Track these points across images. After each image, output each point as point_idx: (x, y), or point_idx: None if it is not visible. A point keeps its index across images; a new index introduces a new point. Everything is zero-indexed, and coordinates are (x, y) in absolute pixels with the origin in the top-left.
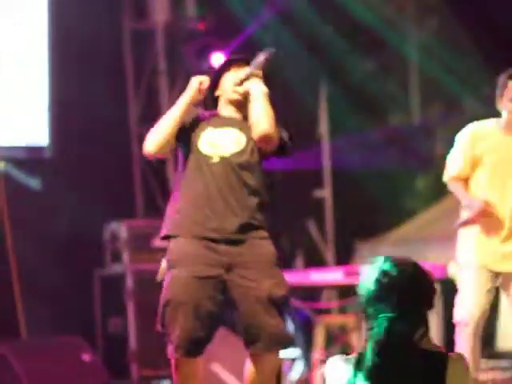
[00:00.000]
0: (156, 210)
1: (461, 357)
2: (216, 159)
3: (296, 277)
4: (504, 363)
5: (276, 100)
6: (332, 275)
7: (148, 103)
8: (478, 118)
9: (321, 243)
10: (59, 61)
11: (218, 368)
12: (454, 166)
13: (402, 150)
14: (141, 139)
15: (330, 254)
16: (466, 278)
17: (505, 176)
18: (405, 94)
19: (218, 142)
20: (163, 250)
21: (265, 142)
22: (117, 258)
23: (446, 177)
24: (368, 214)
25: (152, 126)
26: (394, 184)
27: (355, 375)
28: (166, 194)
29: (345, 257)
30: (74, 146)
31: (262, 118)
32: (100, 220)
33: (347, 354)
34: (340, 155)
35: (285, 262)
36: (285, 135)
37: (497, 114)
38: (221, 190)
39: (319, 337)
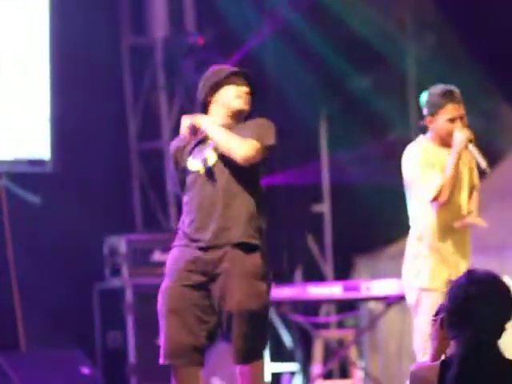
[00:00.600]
0: (155, 225)
1: None
2: (202, 171)
3: (295, 291)
4: None
5: (276, 116)
6: (330, 289)
7: (147, 118)
8: (477, 132)
9: (319, 258)
10: (60, 76)
11: (217, 382)
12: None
13: (400, 164)
14: (140, 154)
15: (328, 269)
16: None
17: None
18: (403, 109)
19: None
20: (163, 264)
21: (249, 162)
22: (116, 272)
23: (431, 197)
24: (367, 228)
25: (151, 141)
26: (393, 198)
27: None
28: (165, 209)
29: (344, 271)
30: (74, 160)
31: (229, 150)
32: (99, 234)
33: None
34: (339, 170)
35: (283, 276)
36: (267, 139)
37: (499, 129)
38: (208, 200)
39: (318, 351)
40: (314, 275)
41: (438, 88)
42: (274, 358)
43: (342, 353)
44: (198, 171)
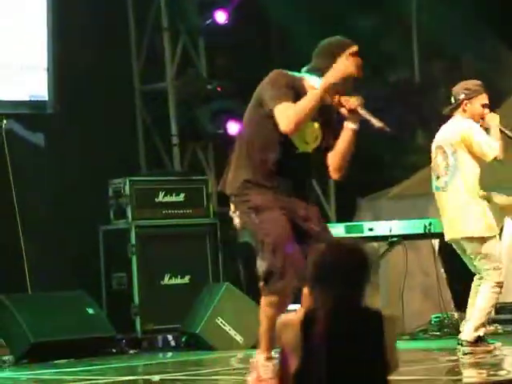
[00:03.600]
0: (160, 167)
1: (393, 316)
2: None
3: None
4: (504, 316)
5: (281, 61)
6: (334, 230)
7: (151, 60)
8: (477, 75)
9: (323, 199)
10: (63, 18)
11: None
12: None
13: (403, 107)
14: (143, 96)
15: (331, 211)
16: None
17: None
18: (406, 52)
19: None
20: (166, 206)
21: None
22: (121, 213)
23: (492, 156)
24: (369, 170)
25: (155, 83)
26: (395, 140)
27: (304, 337)
28: (169, 151)
29: (346, 213)
30: (78, 102)
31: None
32: (104, 176)
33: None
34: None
35: None
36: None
37: (496, 71)
38: None
39: None
40: None
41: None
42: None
43: None
44: None
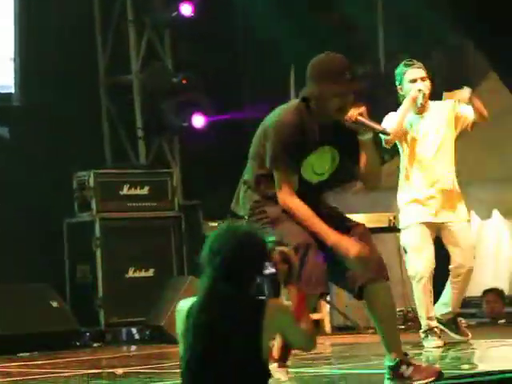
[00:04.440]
0: (124, 159)
1: (278, 305)
2: None
3: None
4: (469, 310)
5: (248, 54)
6: None
7: (116, 53)
8: (443, 68)
9: None
10: (28, 12)
11: None
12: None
13: (369, 100)
14: (109, 88)
15: None
16: None
17: None
18: (372, 45)
19: None
20: (131, 199)
21: None
22: (85, 206)
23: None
24: None
25: (121, 76)
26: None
27: (185, 326)
28: (134, 144)
29: None
30: (43, 94)
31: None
32: (68, 169)
33: None
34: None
35: None
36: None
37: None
38: None
39: None
40: None
41: None
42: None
43: None
44: None
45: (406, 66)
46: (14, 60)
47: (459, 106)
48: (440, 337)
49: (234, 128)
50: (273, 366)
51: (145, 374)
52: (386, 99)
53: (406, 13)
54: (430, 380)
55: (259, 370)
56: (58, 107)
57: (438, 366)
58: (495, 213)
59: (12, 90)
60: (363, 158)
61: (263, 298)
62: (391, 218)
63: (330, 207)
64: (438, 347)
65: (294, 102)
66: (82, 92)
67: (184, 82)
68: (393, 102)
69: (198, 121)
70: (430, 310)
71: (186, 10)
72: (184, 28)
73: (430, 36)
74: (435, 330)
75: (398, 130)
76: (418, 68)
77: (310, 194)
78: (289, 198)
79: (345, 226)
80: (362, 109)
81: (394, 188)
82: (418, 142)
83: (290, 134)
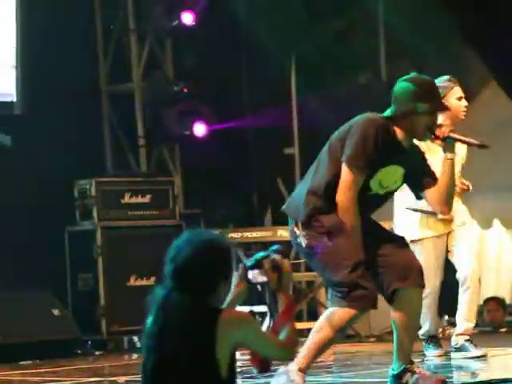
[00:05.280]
0: (126, 167)
1: (231, 312)
2: None
3: (264, 233)
4: None
5: (247, 59)
6: (283, 231)
7: (117, 61)
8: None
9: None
10: (29, 20)
11: None
12: None
13: (370, 107)
14: (110, 97)
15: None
16: None
17: None
18: (373, 53)
19: None
20: (132, 207)
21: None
22: (87, 214)
23: None
24: None
25: (122, 84)
26: None
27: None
28: (136, 152)
29: None
30: (45, 103)
31: None
32: (70, 177)
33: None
34: (309, 113)
35: (253, 218)
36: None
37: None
38: None
39: None
40: (284, 218)
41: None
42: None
43: (311, 295)
44: None
45: (453, 82)
46: (16, 68)
47: None
48: (441, 346)
49: (235, 137)
50: (294, 368)
51: None
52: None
53: (406, 20)
54: None
55: None
56: (60, 115)
57: (442, 374)
58: (496, 222)
59: (14, 99)
60: (442, 177)
61: (218, 307)
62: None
63: (374, 221)
64: (439, 356)
65: (381, 115)
66: (84, 100)
67: (185, 90)
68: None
69: (199, 129)
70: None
71: (188, 18)
72: (185, 37)
73: (430, 43)
74: (436, 338)
75: None
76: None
77: (363, 202)
78: (348, 200)
79: (387, 237)
80: (452, 127)
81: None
82: None
83: (375, 132)
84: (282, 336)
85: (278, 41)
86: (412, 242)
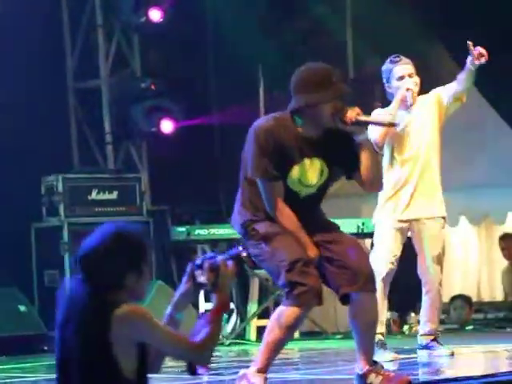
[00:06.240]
0: (93, 164)
1: (128, 309)
2: None
3: (231, 230)
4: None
5: (216, 59)
6: None
7: (84, 57)
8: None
9: None
10: None
11: None
12: None
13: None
14: (77, 93)
15: None
16: None
17: None
18: (342, 50)
19: None
20: (99, 203)
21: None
22: (53, 211)
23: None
24: None
25: (89, 81)
26: None
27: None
28: (102, 148)
29: None
30: (11, 98)
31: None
32: (36, 173)
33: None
34: (276, 110)
35: (221, 216)
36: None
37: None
38: None
39: (254, 290)
40: None
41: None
42: (208, 297)
43: (278, 292)
44: None
45: (393, 62)
46: None
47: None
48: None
49: (202, 133)
50: (252, 370)
51: None
52: (355, 103)
53: (374, 18)
54: None
55: None
56: (26, 111)
57: (406, 374)
58: (463, 220)
59: None
60: (363, 160)
61: (117, 302)
62: (359, 223)
63: (323, 220)
64: (391, 361)
65: (279, 112)
66: (51, 96)
67: (152, 87)
68: (364, 105)
69: (167, 126)
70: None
71: (155, 15)
72: (153, 33)
73: (398, 41)
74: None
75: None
76: (406, 64)
77: (298, 205)
78: (276, 206)
79: (337, 239)
80: (357, 109)
81: (362, 194)
82: (406, 139)
83: (265, 138)
84: (199, 337)
85: (245, 38)
86: (375, 224)
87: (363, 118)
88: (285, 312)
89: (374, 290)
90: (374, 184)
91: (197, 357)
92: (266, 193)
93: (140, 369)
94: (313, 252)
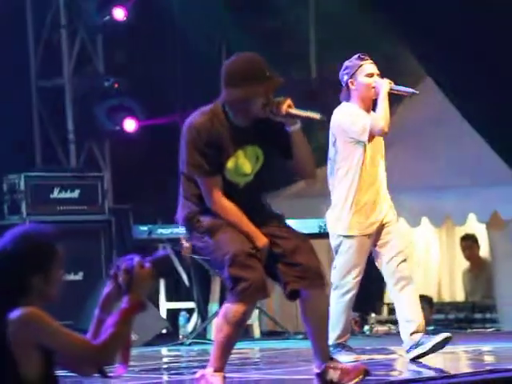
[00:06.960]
0: (55, 162)
1: (24, 311)
2: None
3: None
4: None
5: (180, 58)
6: None
7: (48, 56)
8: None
9: None
10: None
11: None
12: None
13: (301, 104)
14: (40, 91)
15: None
16: None
17: None
18: (304, 51)
19: None
20: (61, 202)
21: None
22: (15, 209)
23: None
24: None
25: (53, 79)
26: None
27: None
28: (65, 147)
29: None
30: None
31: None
32: None
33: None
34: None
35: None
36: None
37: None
38: None
39: (215, 290)
40: None
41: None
42: (171, 297)
43: None
44: None
45: (361, 59)
46: None
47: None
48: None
49: (165, 132)
50: (209, 370)
51: (71, 378)
52: (316, 105)
53: (338, 19)
54: (359, 379)
55: None
56: None
57: (362, 364)
58: (424, 220)
59: None
60: (295, 149)
61: (17, 305)
62: (322, 224)
63: (270, 214)
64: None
65: (211, 105)
66: (14, 94)
67: (116, 85)
68: (326, 107)
69: (130, 125)
70: None
71: (119, 14)
72: (116, 32)
73: (363, 43)
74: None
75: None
76: (372, 63)
77: (239, 196)
78: (215, 200)
79: (284, 234)
80: (289, 101)
81: (324, 194)
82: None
83: (198, 134)
84: (101, 338)
85: (210, 37)
86: (341, 236)
87: (294, 111)
88: (231, 309)
89: (322, 285)
90: (305, 174)
91: (95, 358)
92: (204, 188)
93: (46, 373)
94: (262, 241)
